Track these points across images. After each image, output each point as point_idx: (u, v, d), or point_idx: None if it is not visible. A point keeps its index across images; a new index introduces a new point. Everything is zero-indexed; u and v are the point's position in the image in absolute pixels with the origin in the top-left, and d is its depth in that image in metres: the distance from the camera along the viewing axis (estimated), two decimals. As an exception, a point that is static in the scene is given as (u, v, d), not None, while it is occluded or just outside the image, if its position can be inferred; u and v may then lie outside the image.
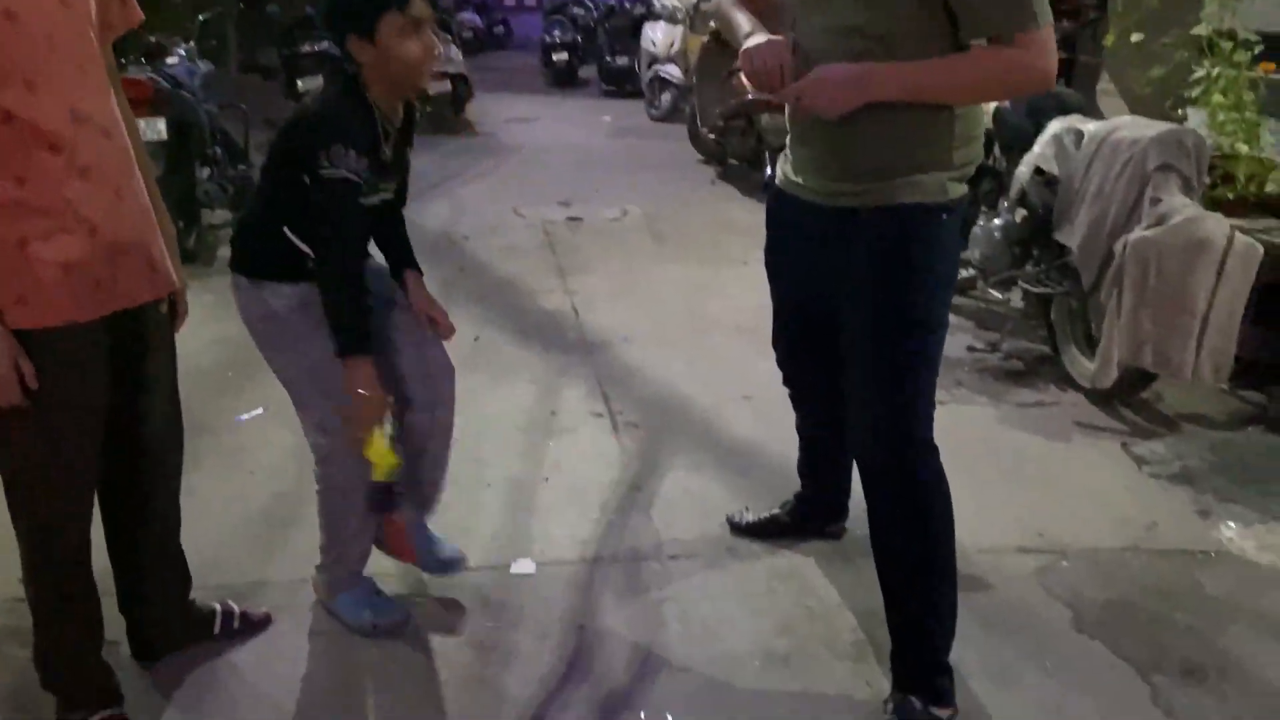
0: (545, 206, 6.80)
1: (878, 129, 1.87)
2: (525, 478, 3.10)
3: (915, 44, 1.82)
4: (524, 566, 2.61)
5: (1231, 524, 2.91)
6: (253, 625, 2.31)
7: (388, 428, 2.16)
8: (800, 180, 2.08)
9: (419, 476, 2.39)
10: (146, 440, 2.02)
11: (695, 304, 4.80)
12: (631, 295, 4.95)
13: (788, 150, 2.16)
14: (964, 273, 4.14)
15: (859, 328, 2.01)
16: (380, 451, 2.06)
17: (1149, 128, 3.52)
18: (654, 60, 10.34)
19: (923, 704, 2.03)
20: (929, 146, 1.90)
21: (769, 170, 2.19)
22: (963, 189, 1.96)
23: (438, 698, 2.13)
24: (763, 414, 3.51)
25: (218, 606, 2.29)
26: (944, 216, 1.94)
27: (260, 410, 3.44)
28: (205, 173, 5.29)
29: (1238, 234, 3.29)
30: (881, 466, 2.04)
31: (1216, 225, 3.30)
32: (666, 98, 10.24)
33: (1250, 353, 3.75)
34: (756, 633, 2.37)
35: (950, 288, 2.06)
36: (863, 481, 2.10)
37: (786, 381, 2.57)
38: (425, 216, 6.25)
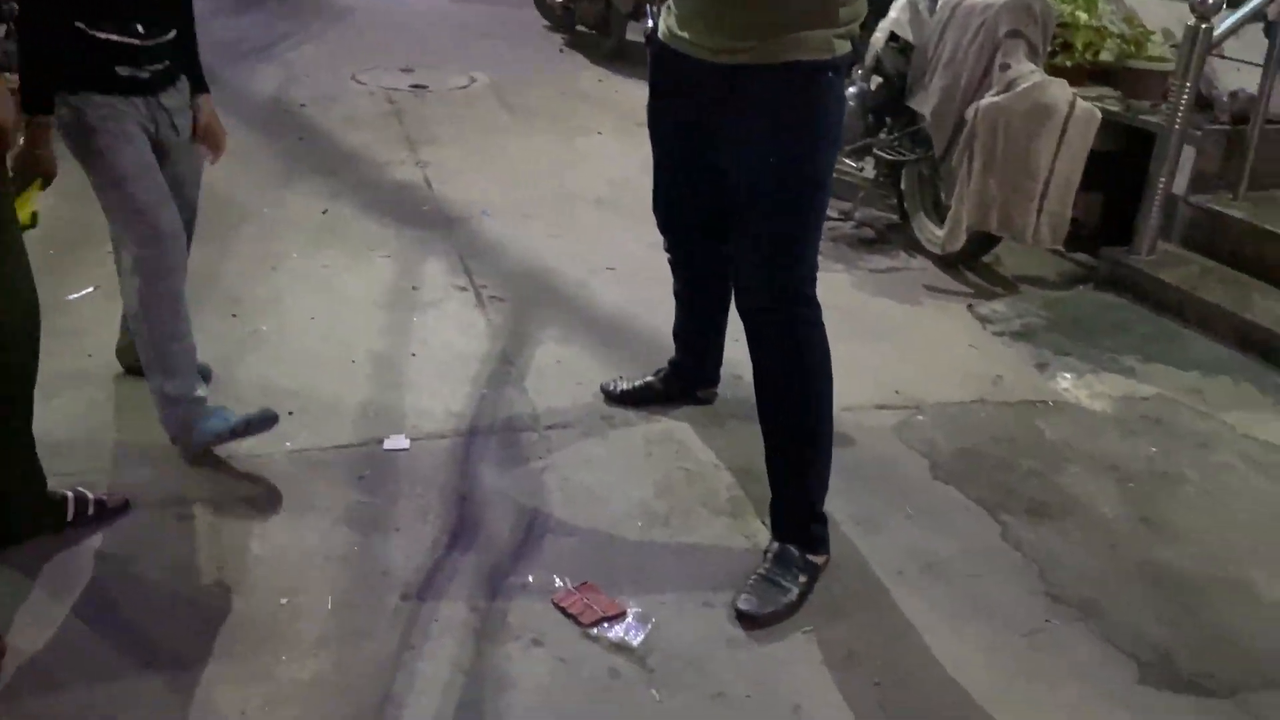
0: (386, 74, 6.44)
1: None
2: (392, 354, 3.00)
3: None
4: (398, 442, 2.55)
5: (1066, 375, 3.13)
6: (111, 512, 2.18)
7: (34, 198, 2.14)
8: (686, 36, 2.02)
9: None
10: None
11: (552, 176, 4.69)
12: (486, 167, 4.79)
13: (671, 3, 2.08)
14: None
15: (750, 185, 1.99)
16: (26, 207, 2.07)
17: (1000, -6, 3.59)
18: (494, -82, 9.78)
19: (800, 551, 2.12)
20: (816, 2, 1.87)
21: (649, 23, 2.15)
22: (847, 46, 1.95)
23: (317, 575, 2.08)
24: (628, 284, 3.51)
25: (69, 494, 2.14)
26: (830, 74, 1.93)
27: (91, 289, 3.19)
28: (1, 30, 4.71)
29: (1079, 100, 3.43)
30: (771, 323, 2.07)
31: (1060, 91, 3.43)
32: (509, -40, 9.75)
33: (1079, 216, 3.99)
34: (636, 495, 2.41)
35: (837, 146, 2.08)
36: (749, 338, 2.11)
37: (668, 246, 2.55)
38: (255, 81, 5.79)
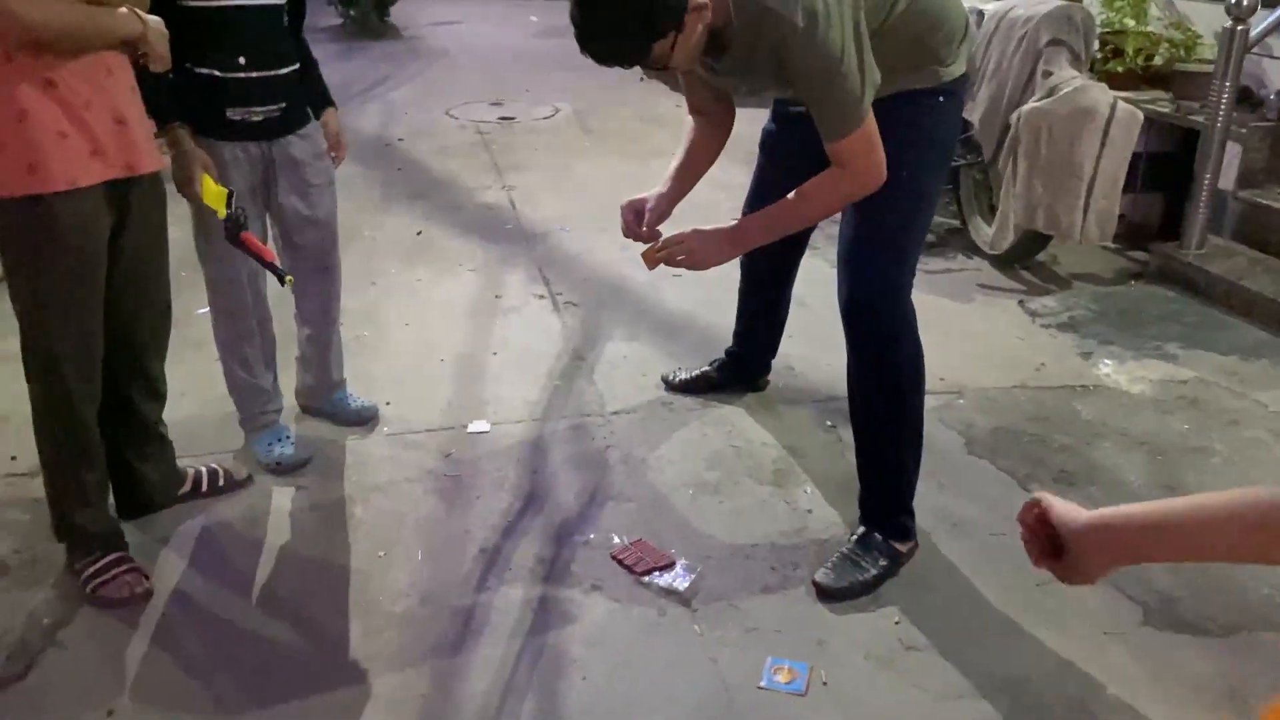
0: (476, 107, 6.89)
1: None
2: (475, 353, 3.34)
3: None
4: (479, 426, 2.88)
5: (1108, 362, 3.28)
6: (236, 484, 2.55)
7: (211, 182, 2.31)
8: None
9: (318, 348, 2.82)
10: (150, 309, 2.22)
11: (626, 194, 4.93)
12: (566, 188, 5.15)
13: None
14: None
15: None
16: (211, 191, 2.27)
17: (1041, 5, 3.78)
18: (578, -42, 10.25)
19: (884, 538, 2.27)
20: (915, 52, 2.08)
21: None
22: (958, 70, 2.12)
23: (409, 533, 2.40)
24: (691, 289, 3.78)
25: (203, 468, 2.52)
26: (940, 98, 2.12)
27: (217, 304, 3.62)
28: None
29: (1120, 102, 3.59)
30: (862, 321, 2.20)
31: (1101, 94, 3.59)
32: (592, -4, 10.20)
33: (1139, 216, 4.11)
34: (689, 468, 2.67)
35: (939, 160, 2.22)
36: (846, 335, 2.26)
37: None
38: (358, 121, 6.31)
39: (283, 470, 2.62)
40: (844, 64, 1.86)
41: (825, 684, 1.94)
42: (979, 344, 3.41)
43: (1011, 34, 3.81)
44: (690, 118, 2.44)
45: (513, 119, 6.62)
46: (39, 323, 2.02)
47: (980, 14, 4.02)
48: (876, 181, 1.99)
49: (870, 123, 1.94)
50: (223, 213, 2.28)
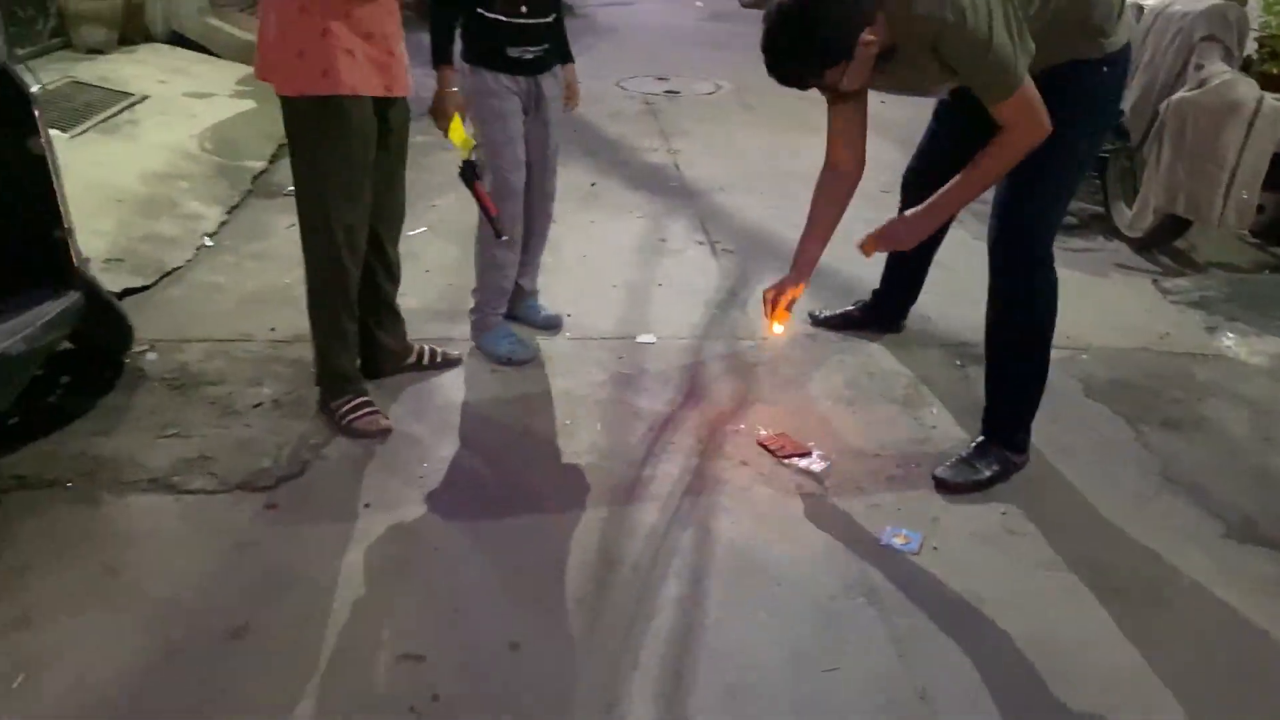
0: (644, 81, 7.36)
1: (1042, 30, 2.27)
2: (643, 282, 3.80)
3: None
4: (647, 338, 3.33)
5: (1231, 335, 3.49)
6: (450, 361, 3.08)
7: (466, 127, 2.79)
8: None
9: (527, 255, 3.25)
10: (392, 206, 2.75)
11: (780, 162, 5.39)
12: (724, 154, 5.56)
13: None
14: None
15: None
16: (459, 134, 2.75)
17: (1199, 2, 3.97)
18: (747, -54, 10.63)
19: (1000, 447, 2.62)
20: (1078, 29, 2.34)
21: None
22: (1119, 41, 2.37)
23: (588, 410, 2.88)
24: (835, 244, 4.12)
25: (425, 346, 3.06)
26: (1105, 68, 2.38)
27: (423, 229, 4.18)
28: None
29: (1267, 97, 3.76)
30: (1006, 253, 2.51)
31: (1248, 89, 3.77)
32: (758, -17, 10.58)
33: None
34: (828, 385, 3.06)
35: (1092, 124, 2.43)
36: (990, 265, 2.54)
37: (906, 202, 3.04)
38: (537, 86, 6.88)
39: (513, 364, 3.10)
40: (994, 40, 2.14)
41: (935, 549, 2.32)
42: (1108, 312, 3.66)
43: (1168, 28, 4.02)
44: (822, 175, 2.80)
45: (677, 93, 7.07)
46: (322, 203, 2.55)
47: (1140, 8, 4.23)
48: (1041, 133, 2.24)
49: (1029, 85, 2.20)
50: (466, 155, 2.77)
